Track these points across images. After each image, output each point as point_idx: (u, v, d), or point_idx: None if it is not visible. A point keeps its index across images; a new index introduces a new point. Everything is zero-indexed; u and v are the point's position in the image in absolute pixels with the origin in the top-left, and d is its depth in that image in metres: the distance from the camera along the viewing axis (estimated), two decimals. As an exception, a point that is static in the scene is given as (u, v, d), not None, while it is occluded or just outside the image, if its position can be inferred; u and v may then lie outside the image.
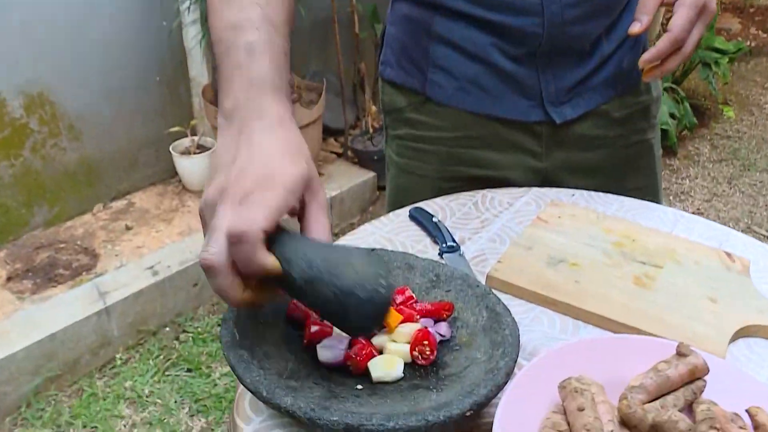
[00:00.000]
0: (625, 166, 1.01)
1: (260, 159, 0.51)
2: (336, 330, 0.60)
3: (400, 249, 0.81)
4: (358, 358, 0.56)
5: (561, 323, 0.68)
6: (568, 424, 0.49)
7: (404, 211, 0.89)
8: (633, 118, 0.98)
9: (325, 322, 0.59)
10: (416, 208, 0.88)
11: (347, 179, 2.67)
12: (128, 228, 2.37)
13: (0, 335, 1.83)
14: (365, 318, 0.53)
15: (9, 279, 2.11)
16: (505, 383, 0.52)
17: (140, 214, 2.44)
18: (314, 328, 0.59)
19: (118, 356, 1.94)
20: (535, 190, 0.93)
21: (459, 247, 0.80)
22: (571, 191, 0.92)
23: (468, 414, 0.49)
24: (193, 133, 2.51)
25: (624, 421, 0.51)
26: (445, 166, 0.99)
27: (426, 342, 0.57)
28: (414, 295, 0.65)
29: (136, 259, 2.17)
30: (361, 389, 0.56)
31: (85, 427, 1.72)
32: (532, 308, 0.71)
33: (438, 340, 0.60)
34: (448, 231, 0.82)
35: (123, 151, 2.50)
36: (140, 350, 1.97)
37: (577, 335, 0.67)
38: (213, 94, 2.54)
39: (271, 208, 0.48)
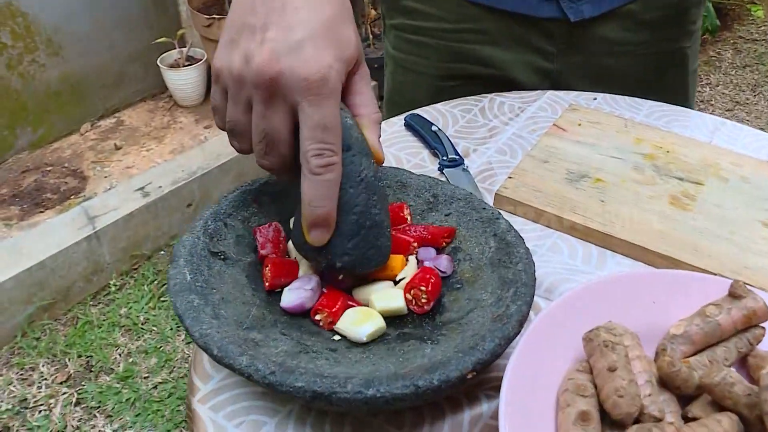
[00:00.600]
0: (651, 78, 0.86)
1: (303, 37, 0.42)
2: (302, 269, 0.49)
3: (393, 163, 0.69)
4: (329, 311, 0.45)
5: (584, 252, 0.57)
6: (595, 386, 0.39)
7: (399, 120, 0.76)
8: (666, 23, 0.82)
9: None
10: (413, 114, 0.76)
11: (347, 92, 2.51)
12: (117, 147, 2.25)
13: (-13, 263, 1.76)
14: (357, 254, 0.46)
15: (-5, 204, 2.02)
16: (517, 334, 0.42)
17: (130, 133, 2.32)
18: (273, 269, 0.48)
19: (111, 282, 1.87)
20: (551, 93, 0.80)
21: (462, 160, 0.68)
22: (592, 95, 0.79)
23: (469, 377, 0.39)
24: (182, 44, 2.35)
25: (664, 381, 0.40)
26: (444, 62, 0.86)
27: (424, 287, 0.46)
28: (408, 218, 0.53)
29: (126, 180, 2.06)
30: (338, 340, 0.45)
31: (80, 356, 1.67)
32: (549, 234, 0.59)
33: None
34: (450, 141, 0.70)
35: (108, 66, 2.34)
36: (134, 276, 1.90)
37: (604, 267, 0.56)
38: (200, 1, 2.35)
39: (334, 123, 0.43)
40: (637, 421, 0.37)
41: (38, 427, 1.55)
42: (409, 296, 0.47)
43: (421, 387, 0.38)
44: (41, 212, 1.98)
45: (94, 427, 1.54)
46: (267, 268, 0.49)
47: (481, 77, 0.85)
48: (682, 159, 0.65)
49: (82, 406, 1.58)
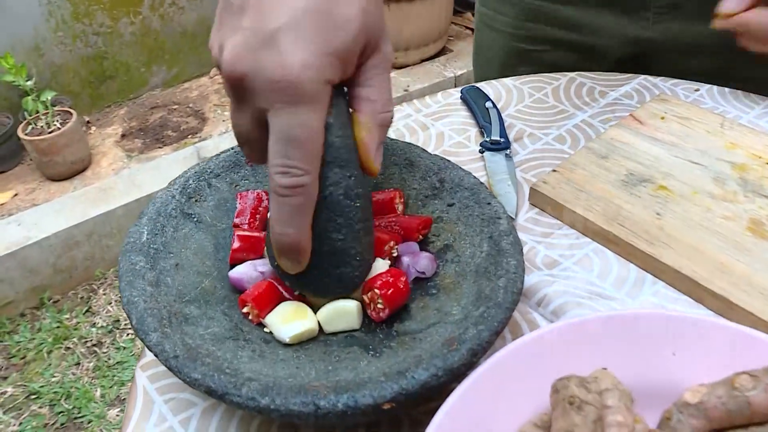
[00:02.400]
0: None
1: (278, 26, 0.33)
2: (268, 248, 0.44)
3: (434, 139, 0.61)
4: (255, 304, 0.39)
5: (619, 273, 0.47)
6: (547, 450, 0.30)
7: (456, 92, 0.68)
8: None
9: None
10: (471, 87, 0.67)
11: (476, 60, 2.40)
12: (239, 95, 2.31)
13: (105, 191, 1.88)
14: (308, 282, 0.39)
15: (123, 136, 2.16)
16: (467, 365, 0.33)
17: (253, 82, 2.37)
18: (238, 243, 0.43)
19: (211, 223, 1.93)
20: (643, 78, 0.67)
21: (508, 143, 0.58)
22: (695, 85, 0.65)
23: (386, 407, 0.31)
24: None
25: (649, 461, 0.31)
26: (522, 21, 0.77)
27: (381, 292, 0.38)
28: (399, 208, 0.46)
29: (240, 128, 2.11)
30: (274, 332, 0.39)
31: (169, 288, 1.75)
32: (583, 243, 0.49)
33: (412, 278, 0.42)
34: (501, 121, 0.61)
35: (241, 14, 2.40)
36: (233, 220, 1.95)
37: (637, 295, 0.45)
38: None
39: (305, 136, 0.34)
40: None
41: (124, 348, 1.65)
42: (366, 298, 0.39)
43: (321, 408, 0.31)
44: (160, 147, 2.08)
45: (170, 358, 1.61)
46: (233, 240, 0.44)
47: (563, 43, 0.75)
48: (783, 175, 0.51)
49: (164, 336, 1.66)
